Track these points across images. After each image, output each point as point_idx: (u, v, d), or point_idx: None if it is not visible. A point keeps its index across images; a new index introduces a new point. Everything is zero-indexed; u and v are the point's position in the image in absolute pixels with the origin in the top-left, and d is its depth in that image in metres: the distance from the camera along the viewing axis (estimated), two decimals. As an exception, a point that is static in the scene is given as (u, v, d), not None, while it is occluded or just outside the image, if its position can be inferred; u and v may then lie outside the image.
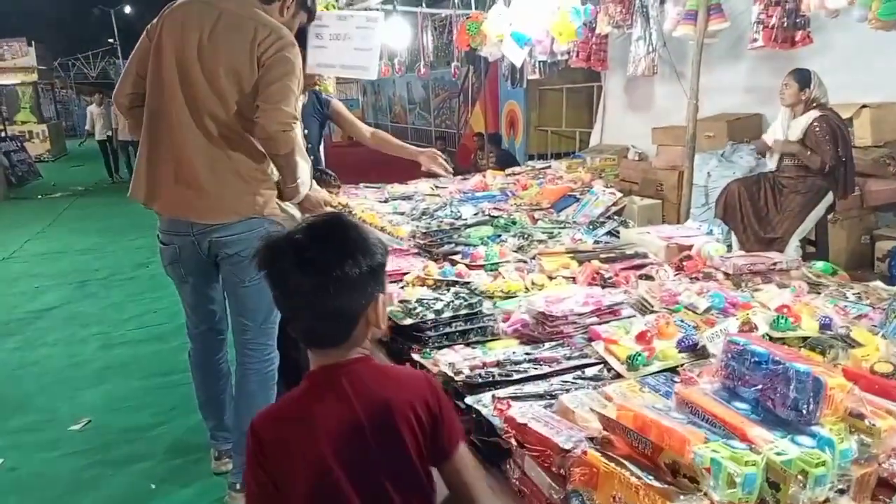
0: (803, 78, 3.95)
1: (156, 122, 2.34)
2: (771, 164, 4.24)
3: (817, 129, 3.86)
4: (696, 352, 1.80)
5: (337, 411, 1.16)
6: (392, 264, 2.93)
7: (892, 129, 4.57)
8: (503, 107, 11.25)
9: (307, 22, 2.64)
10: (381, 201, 4.68)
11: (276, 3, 2.42)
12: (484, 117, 10.71)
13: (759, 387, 1.24)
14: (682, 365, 1.73)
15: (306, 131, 3.36)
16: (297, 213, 2.56)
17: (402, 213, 4.13)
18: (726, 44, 5.36)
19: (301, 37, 2.81)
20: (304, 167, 2.46)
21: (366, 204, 4.32)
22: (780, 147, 4.09)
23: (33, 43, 18.70)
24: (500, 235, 3.40)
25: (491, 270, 2.90)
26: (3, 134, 14.76)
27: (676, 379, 1.60)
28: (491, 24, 4.85)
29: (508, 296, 2.57)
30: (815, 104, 3.96)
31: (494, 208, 3.98)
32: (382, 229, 2.65)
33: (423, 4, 7.04)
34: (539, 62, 6.54)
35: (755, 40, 4.35)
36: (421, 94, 17.16)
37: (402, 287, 2.61)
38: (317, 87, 3.58)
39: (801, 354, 1.44)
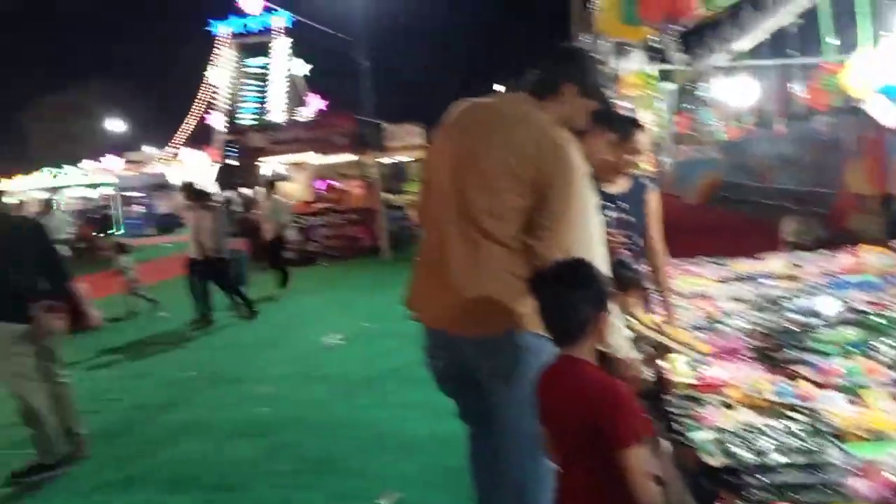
0: None
1: (430, 229, 2.36)
2: None
3: None
4: None
5: (554, 389, 1.83)
6: (713, 370, 2.47)
7: None
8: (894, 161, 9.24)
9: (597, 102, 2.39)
10: (719, 281, 4.11)
11: (548, 97, 2.26)
12: (867, 174, 8.90)
13: None
14: None
15: (633, 219, 3.09)
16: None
17: (739, 301, 3.53)
18: None
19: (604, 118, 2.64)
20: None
21: (701, 288, 3.82)
22: None
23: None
24: (869, 343, 2.62)
25: (851, 394, 2.22)
26: (397, 204, 17.51)
27: None
28: (852, 77, 3.84)
29: (877, 437, 1.91)
30: None
31: (868, 301, 3.13)
32: (688, 345, 2.25)
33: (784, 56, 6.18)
34: (944, 109, 5.15)
35: None
36: (787, 150, 15.31)
37: (721, 406, 2.14)
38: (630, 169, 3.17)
39: None
